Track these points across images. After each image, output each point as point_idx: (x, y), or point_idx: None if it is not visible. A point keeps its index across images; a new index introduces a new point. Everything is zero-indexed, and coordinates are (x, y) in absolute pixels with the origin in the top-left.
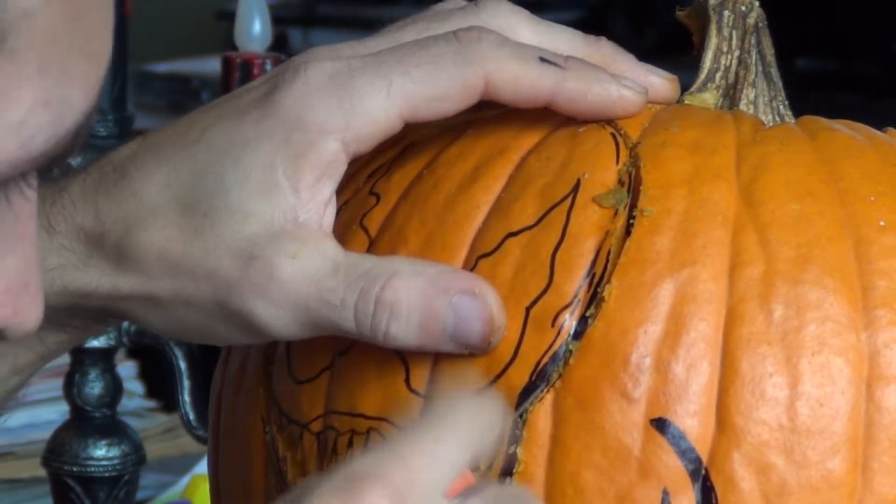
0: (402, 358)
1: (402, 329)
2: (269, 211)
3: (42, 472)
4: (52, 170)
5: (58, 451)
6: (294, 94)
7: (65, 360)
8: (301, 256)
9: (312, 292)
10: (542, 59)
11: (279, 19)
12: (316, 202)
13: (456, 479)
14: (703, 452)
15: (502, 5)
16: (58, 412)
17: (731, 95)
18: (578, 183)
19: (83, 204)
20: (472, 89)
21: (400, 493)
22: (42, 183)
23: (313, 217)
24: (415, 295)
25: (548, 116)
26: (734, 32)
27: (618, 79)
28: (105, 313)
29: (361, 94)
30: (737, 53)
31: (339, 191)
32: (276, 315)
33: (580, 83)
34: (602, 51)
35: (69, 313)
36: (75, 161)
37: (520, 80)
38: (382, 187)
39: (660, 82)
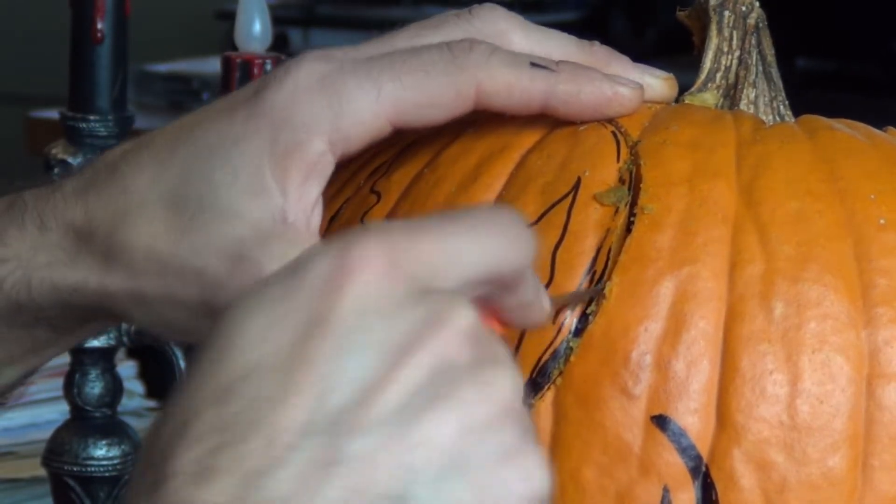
0: None
1: None
2: (257, 212)
3: (42, 472)
4: None
5: (58, 451)
6: (283, 94)
7: (65, 359)
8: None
9: None
10: (533, 64)
11: (279, 19)
12: (304, 203)
13: (483, 308)
14: (704, 450)
15: (496, 12)
16: (58, 412)
17: (731, 95)
18: (579, 181)
19: (74, 201)
20: (462, 97)
21: (395, 255)
22: (42, 183)
23: (301, 218)
24: None
25: (548, 115)
26: (734, 33)
27: (611, 77)
28: (93, 311)
29: (350, 96)
30: (737, 53)
31: (340, 190)
32: None
33: (572, 84)
34: (596, 56)
35: (57, 311)
36: (76, 160)
37: (512, 86)
38: (383, 186)
39: (656, 83)
